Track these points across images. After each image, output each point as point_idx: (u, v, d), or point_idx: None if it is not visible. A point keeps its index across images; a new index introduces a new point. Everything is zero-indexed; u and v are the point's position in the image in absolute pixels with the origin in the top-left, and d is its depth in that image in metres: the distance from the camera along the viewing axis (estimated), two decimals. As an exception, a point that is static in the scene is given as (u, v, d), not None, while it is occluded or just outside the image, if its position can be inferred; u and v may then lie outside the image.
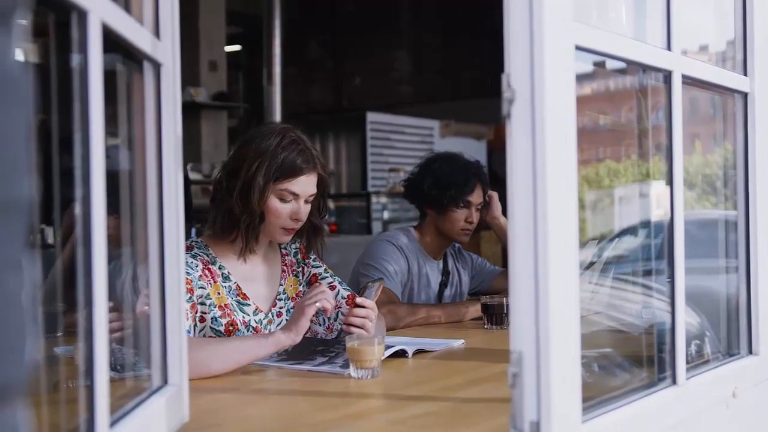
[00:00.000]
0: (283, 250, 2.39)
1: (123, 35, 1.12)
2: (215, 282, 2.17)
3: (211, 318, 2.13)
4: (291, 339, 1.95)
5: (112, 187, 1.11)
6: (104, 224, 1.01)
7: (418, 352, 2.16)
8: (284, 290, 2.34)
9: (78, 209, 0.99)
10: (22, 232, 0.57)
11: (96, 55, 0.99)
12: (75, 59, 1.00)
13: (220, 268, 2.20)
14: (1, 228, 0.55)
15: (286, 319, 2.29)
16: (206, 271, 2.15)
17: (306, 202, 2.21)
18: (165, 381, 1.35)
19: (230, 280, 2.22)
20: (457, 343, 2.32)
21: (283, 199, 2.17)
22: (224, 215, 2.19)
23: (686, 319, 1.54)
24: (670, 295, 1.50)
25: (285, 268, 2.37)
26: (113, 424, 1.08)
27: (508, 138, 1.17)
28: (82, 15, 0.97)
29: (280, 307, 2.30)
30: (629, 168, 2.20)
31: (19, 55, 0.59)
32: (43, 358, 1.12)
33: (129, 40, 1.16)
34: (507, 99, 1.17)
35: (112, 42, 1.09)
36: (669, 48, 1.48)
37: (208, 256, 2.20)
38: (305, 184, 2.19)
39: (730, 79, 1.74)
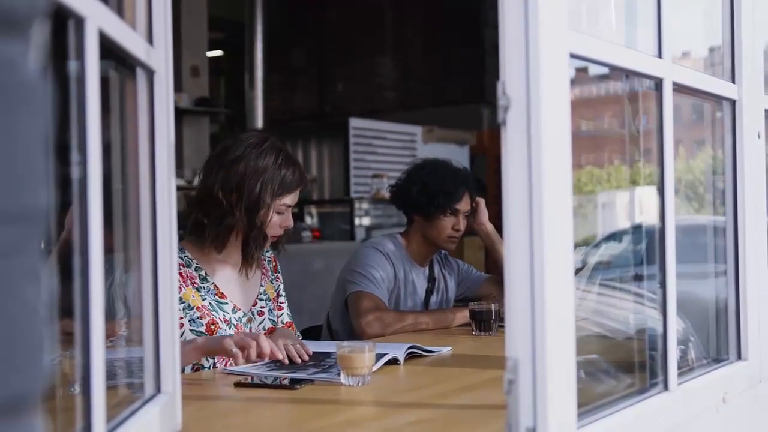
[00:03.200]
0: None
1: (119, 42, 1.11)
2: (187, 285, 2.20)
3: (190, 320, 2.16)
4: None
5: (103, 194, 1.10)
6: (101, 232, 1.00)
7: (411, 355, 2.16)
8: (264, 291, 2.42)
9: (75, 216, 0.99)
10: (39, 241, 0.57)
11: (93, 62, 0.98)
12: (71, 66, 0.99)
13: (196, 270, 2.25)
14: (19, 237, 0.55)
15: (269, 319, 2.39)
16: (178, 276, 2.18)
17: (292, 210, 2.34)
18: (158, 389, 1.34)
19: (208, 281, 2.27)
20: (446, 350, 2.32)
21: (279, 212, 2.28)
22: (225, 229, 2.23)
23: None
24: (662, 302, 1.50)
25: (264, 270, 2.44)
26: (108, 433, 1.07)
27: (503, 145, 1.17)
28: (80, 22, 0.96)
29: (261, 307, 2.37)
30: (612, 174, 2.21)
31: (37, 65, 0.59)
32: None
33: (124, 47, 1.15)
34: (502, 106, 1.17)
35: (106, 48, 1.08)
36: (660, 56, 1.49)
37: (182, 258, 2.23)
38: (296, 195, 2.32)
39: (719, 86, 1.75)
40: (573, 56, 1.24)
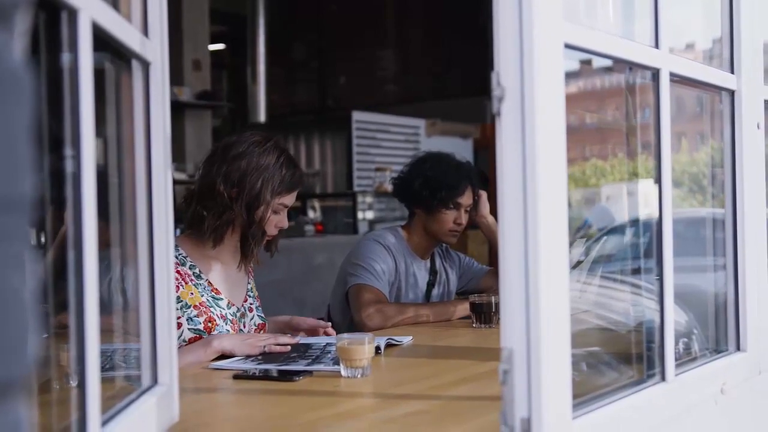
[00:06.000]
0: None
1: (113, 34, 1.11)
2: (186, 283, 2.21)
3: (187, 319, 2.17)
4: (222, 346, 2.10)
5: (100, 187, 1.11)
6: (95, 225, 1.00)
7: (389, 346, 2.21)
8: (251, 288, 2.45)
9: (68, 210, 0.99)
10: (24, 229, 0.57)
11: (86, 54, 0.98)
12: (64, 58, 0.99)
13: (190, 268, 2.26)
14: (3, 225, 0.55)
15: (258, 315, 2.42)
16: (175, 274, 2.19)
17: (289, 210, 2.35)
18: (155, 381, 1.34)
19: (202, 278, 2.28)
20: (407, 340, 2.34)
21: (276, 212, 2.29)
22: (224, 223, 2.25)
23: (674, 317, 1.55)
24: (659, 293, 1.50)
25: (250, 269, 2.47)
26: (104, 423, 1.07)
27: (497, 135, 1.17)
28: (73, 13, 0.96)
29: (250, 303, 2.41)
30: (616, 166, 2.20)
31: (21, 54, 0.59)
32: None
33: (118, 39, 1.15)
34: (497, 97, 1.17)
35: (101, 40, 1.08)
36: (657, 46, 1.49)
37: (177, 257, 2.23)
38: (294, 197, 2.34)
39: (717, 76, 1.74)
40: (568, 47, 1.24)
